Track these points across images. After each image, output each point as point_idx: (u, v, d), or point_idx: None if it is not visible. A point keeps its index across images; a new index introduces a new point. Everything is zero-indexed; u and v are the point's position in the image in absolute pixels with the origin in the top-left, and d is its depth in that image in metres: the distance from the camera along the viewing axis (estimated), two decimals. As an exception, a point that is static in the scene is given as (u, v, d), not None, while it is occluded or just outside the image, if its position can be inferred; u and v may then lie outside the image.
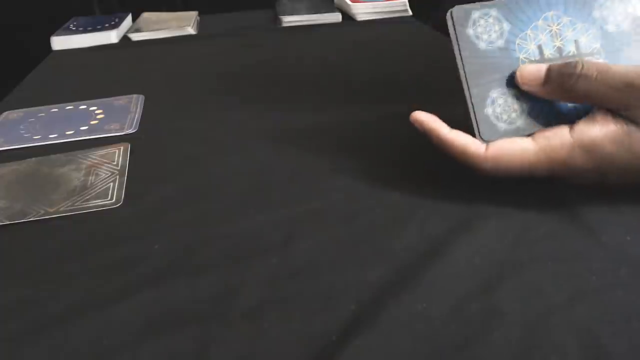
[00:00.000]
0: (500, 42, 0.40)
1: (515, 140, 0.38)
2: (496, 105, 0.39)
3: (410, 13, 1.01)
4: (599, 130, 0.36)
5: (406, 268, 0.35)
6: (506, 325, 0.30)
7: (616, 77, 0.35)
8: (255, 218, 0.41)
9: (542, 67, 0.38)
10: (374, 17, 1.01)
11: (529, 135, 0.39)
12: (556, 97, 0.39)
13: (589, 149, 0.36)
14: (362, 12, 1.01)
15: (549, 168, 0.37)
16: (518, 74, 0.39)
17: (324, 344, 0.30)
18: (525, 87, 0.39)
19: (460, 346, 0.29)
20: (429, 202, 0.41)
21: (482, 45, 0.40)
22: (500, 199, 0.40)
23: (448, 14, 0.40)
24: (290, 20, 1.01)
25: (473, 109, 0.40)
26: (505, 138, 0.39)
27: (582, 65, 0.36)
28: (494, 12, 0.40)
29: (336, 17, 1.02)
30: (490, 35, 0.40)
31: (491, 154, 0.38)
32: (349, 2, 1.02)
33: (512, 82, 0.40)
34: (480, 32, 0.40)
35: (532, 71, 0.39)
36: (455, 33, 0.40)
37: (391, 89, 0.65)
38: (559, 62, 0.39)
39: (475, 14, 0.40)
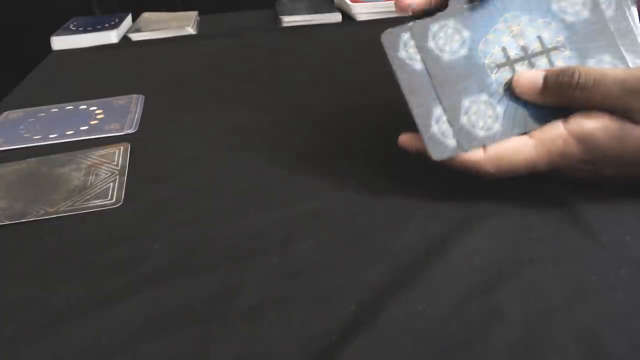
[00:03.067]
0: (463, 51, 0.40)
1: (511, 139, 0.38)
2: (470, 114, 0.39)
3: (410, 13, 1.01)
4: (593, 123, 0.36)
5: (406, 268, 0.35)
6: (506, 325, 0.30)
7: (615, 83, 0.35)
8: (255, 218, 0.41)
9: (539, 76, 0.38)
10: (374, 17, 1.01)
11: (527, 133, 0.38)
12: (555, 105, 0.38)
13: (583, 140, 0.36)
14: (362, 12, 1.01)
15: (549, 161, 0.37)
16: (514, 82, 0.39)
17: (324, 344, 0.30)
18: (523, 97, 0.39)
19: (460, 346, 0.29)
20: (429, 202, 0.41)
21: (445, 56, 0.40)
22: (500, 199, 0.40)
23: (406, 34, 0.40)
24: (290, 20, 1.01)
25: (448, 120, 0.39)
26: (484, 144, 0.39)
27: (580, 74, 0.36)
28: (451, 22, 0.40)
29: (336, 17, 1.02)
30: (452, 46, 0.40)
31: (491, 156, 0.38)
32: (349, 2, 1.02)
33: (482, 88, 0.40)
34: (441, 44, 0.40)
35: (528, 80, 0.38)
36: (418, 48, 0.40)
37: (391, 88, 0.65)
38: (526, 62, 0.40)
39: (434, 27, 0.40)
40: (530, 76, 0.38)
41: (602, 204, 0.39)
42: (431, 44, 0.40)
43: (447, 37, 0.40)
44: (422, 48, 0.40)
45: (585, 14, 0.40)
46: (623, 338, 0.28)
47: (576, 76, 0.36)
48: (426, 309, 0.31)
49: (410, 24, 0.41)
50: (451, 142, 0.39)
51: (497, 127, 0.39)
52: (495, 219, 0.39)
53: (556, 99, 0.37)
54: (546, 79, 0.38)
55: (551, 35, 0.40)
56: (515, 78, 0.39)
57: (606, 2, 0.40)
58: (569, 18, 0.40)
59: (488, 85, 0.40)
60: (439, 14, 0.40)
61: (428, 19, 0.40)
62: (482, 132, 0.39)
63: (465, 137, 0.39)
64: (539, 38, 0.40)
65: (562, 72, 0.37)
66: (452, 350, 0.29)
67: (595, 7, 0.40)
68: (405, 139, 0.41)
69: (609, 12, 0.40)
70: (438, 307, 0.31)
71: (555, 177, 0.39)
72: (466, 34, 0.40)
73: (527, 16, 0.40)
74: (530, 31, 0.40)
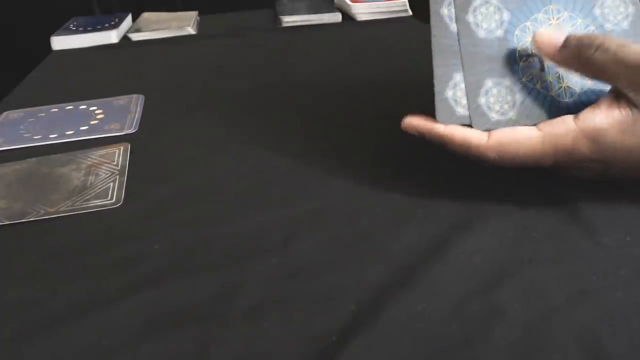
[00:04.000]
0: (499, 32, 0.40)
1: (518, 129, 0.37)
2: (490, 95, 0.39)
3: (410, 13, 1.01)
4: (604, 118, 0.35)
5: (406, 268, 0.35)
6: (507, 325, 0.30)
7: (633, 54, 0.34)
8: (255, 218, 0.41)
9: (561, 33, 0.38)
10: (374, 17, 1.01)
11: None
12: (569, 66, 0.38)
13: (593, 136, 0.35)
14: (362, 12, 1.01)
15: (554, 157, 0.36)
16: (535, 36, 0.38)
17: (324, 344, 0.30)
18: (540, 50, 0.38)
19: (461, 346, 0.29)
20: (429, 202, 0.41)
21: (481, 33, 0.40)
22: (500, 199, 0.40)
23: None
24: (290, 20, 1.01)
25: (467, 96, 0.39)
26: (496, 128, 0.38)
27: (603, 38, 0.35)
28: (494, 0, 0.40)
29: (336, 17, 1.02)
30: (489, 24, 0.40)
31: (494, 143, 0.37)
32: (349, 2, 1.02)
33: (508, 73, 0.40)
34: (480, 19, 0.40)
35: (550, 34, 0.38)
36: (456, 19, 0.39)
37: (391, 89, 0.65)
38: None
39: (477, 1, 0.40)
40: (552, 32, 0.38)
41: (603, 204, 0.39)
42: (470, 17, 0.39)
43: (488, 14, 0.40)
44: (460, 19, 0.39)
45: (625, 25, 0.40)
46: (623, 338, 0.28)
47: (600, 38, 0.36)
48: (426, 309, 0.31)
49: None
50: (461, 110, 0.39)
51: (511, 114, 0.39)
52: (495, 218, 0.39)
53: (574, 59, 0.37)
54: (568, 37, 0.37)
55: None
56: (537, 33, 0.39)
57: None
58: (609, 26, 0.40)
59: (513, 72, 0.40)
60: None
61: None
62: (496, 115, 0.39)
63: (479, 117, 0.39)
64: None
65: (586, 34, 0.37)
66: (452, 350, 0.29)
67: (636, 20, 0.40)
68: (410, 121, 0.40)
69: None
70: (438, 307, 0.31)
71: (558, 175, 0.39)
72: (506, 15, 0.40)
73: (569, 13, 0.40)
74: (568, 29, 0.40)
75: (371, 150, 0.50)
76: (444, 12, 0.40)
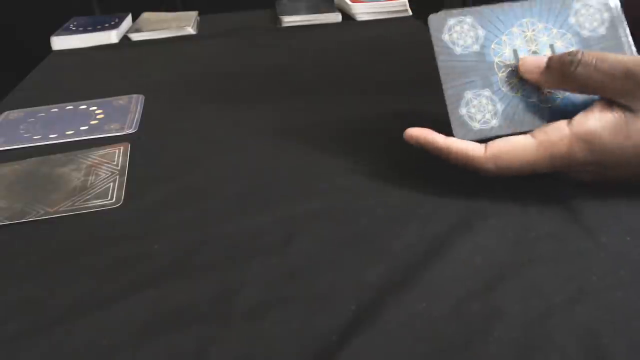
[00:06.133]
0: (475, 47, 0.41)
1: (513, 139, 0.38)
2: (470, 106, 0.41)
3: (410, 13, 1.01)
4: (597, 121, 0.36)
5: (406, 268, 0.35)
6: (506, 325, 0.30)
7: (614, 64, 0.36)
8: (255, 218, 0.41)
9: (543, 57, 0.39)
10: (374, 17, 1.01)
11: (525, 133, 0.39)
12: (555, 86, 0.39)
13: (587, 140, 0.36)
14: (362, 12, 1.01)
15: (550, 163, 0.37)
16: (520, 62, 0.40)
17: (324, 344, 0.30)
18: (526, 76, 0.40)
19: (461, 346, 0.29)
20: (429, 202, 0.41)
21: (457, 49, 0.41)
22: (500, 199, 0.40)
23: (429, 20, 0.42)
24: (290, 20, 1.01)
25: (448, 109, 0.41)
26: (479, 138, 0.40)
27: (582, 53, 0.37)
28: (469, 19, 0.42)
29: (336, 17, 1.02)
30: (465, 41, 0.41)
31: (491, 154, 0.38)
32: (349, 2, 1.02)
33: (487, 84, 0.41)
34: (455, 37, 0.41)
35: (533, 60, 0.40)
36: (432, 38, 0.42)
37: (391, 88, 0.65)
38: None
39: (451, 21, 0.42)
40: (535, 57, 0.40)
41: (602, 204, 0.39)
42: (445, 36, 0.41)
43: (462, 32, 0.41)
44: (436, 39, 0.41)
45: (602, 30, 0.41)
46: (623, 338, 0.28)
47: (579, 54, 0.37)
48: (426, 308, 0.31)
49: (454, 11, 0.42)
50: (476, 125, 0.41)
51: (494, 122, 0.40)
52: (495, 218, 0.39)
53: (558, 78, 0.38)
54: (550, 59, 0.39)
55: (565, 45, 0.41)
56: (521, 60, 0.40)
57: (622, 23, 0.41)
58: (585, 33, 0.41)
59: (493, 83, 0.41)
60: (459, 9, 0.42)
61: (447, 12, 0.42)
62: (478, 125, 0.40)
63: (461, 127, 0.40)
64: (551, 46, 0.41)
65: (566, 52, 0.38)
66: (452, 350, 0.29)
67: (612, 26, 0.41)
68: (412, 132, 0.42)
69: (622, 32, 0.41)
70: (438, 307, 0.31)
71: (559, 176, 0.40)
72: (481, 32, 0.41)
73: (543, 24, 0.42)
74: (544, 39, 0.41)
75: (371, 150, 0.50)
76: (445, 37, 0.41)
